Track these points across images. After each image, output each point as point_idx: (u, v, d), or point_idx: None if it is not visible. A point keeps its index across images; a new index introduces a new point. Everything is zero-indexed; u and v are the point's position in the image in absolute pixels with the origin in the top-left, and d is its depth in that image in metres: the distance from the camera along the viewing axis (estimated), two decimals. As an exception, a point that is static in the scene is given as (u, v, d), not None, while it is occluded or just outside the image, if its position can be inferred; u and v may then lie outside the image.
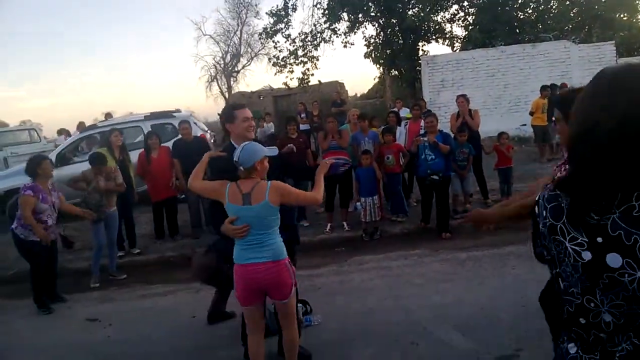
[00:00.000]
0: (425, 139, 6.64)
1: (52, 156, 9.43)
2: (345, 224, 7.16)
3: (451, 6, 18.70)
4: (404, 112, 10.16)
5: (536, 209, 1.43)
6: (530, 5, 17.59)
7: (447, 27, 19.51)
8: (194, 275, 4.58)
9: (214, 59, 27.76)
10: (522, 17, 17.63)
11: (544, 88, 11.14)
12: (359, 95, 29.04)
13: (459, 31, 19.44)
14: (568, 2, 17.29)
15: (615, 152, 1.19)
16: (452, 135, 7.13)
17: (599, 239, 1.23)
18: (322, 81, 20.89)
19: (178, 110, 11.91)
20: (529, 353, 3.22)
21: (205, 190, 3.34)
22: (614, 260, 1.22)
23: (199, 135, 8.92)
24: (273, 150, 3.28)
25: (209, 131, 11.59)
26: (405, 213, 7.34)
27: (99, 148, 7.28)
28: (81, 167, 8.65)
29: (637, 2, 17.44)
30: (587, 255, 1.26)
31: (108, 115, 12.87)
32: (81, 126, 12.05)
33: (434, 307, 4.47)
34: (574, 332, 1.38)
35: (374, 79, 23.83)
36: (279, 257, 3.13)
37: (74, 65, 56.99)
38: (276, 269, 3.11)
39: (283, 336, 3.39)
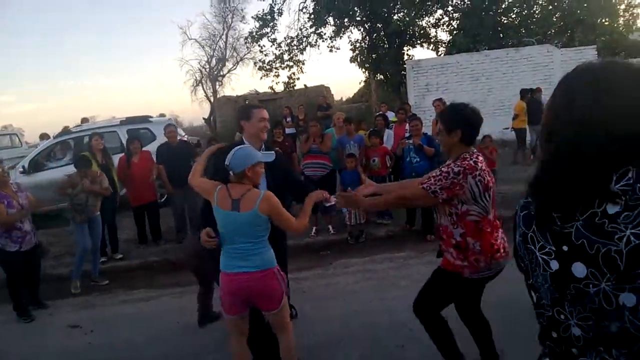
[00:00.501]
0: (410, 141, 6.67)
1: (25, 162, 9.41)
2: (330, 227, 7.15)
3: (436, 11, 18.82)
4: (390, 116, 10.20)
5: (516, 219, 1.38)
6: (514, 10, 17.78)
7: (432, 31, 19.66)
8: (185, 262, 4.62)
9: (199, 63, 27.61)
10: (505, 21, 17.80)
11: (525, 91, 11.39)
12: (344, 99, 29.11)
13: (444, 36, 19.60)
14: (551, 7, 17.49)
15: (575, 153, 1.15)
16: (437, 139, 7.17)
17: (565, 248, 1.18)
18: (308, 85, 20.96)
19: (162, 115, 11.90)
20: (513, 354, 3.22)
21: (200, 189, 3.23)
22: (579, 270, 1.17)
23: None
24: (269, 156, 3.17)
25: (186, 136, 11.59)
26: (390, 216, 7.35)
27: (82, 152, 7.20)
28: (55, 173, 8.64)
29: (618, 7, 17.73)
30: (554, 265, 1.22)
31: (84, 120, 12.76)
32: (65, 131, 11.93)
33: (419, 310, 4.46)
34: (547, 347, 1.33)
35: (360, 83, 23.94)
36: (267, 266, 3.01)
37: (59, 70, 56.23)
38: (264, 278, 3.00)
39: (280, 346, 3.27)
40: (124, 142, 8.91)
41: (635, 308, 1.12)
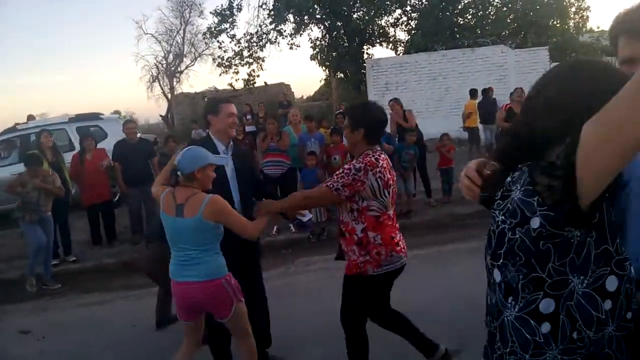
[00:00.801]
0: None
1: None
2: (291, 225, 7.12)
3: (394, 10, 19.06)
4: (350, 114, 10.26)
5: None
6: (470, 11, 18.22)
7: (391, 31, 19.91)
8: (141, 268, 4.55)
9: (155, 58, 26.86)
10: (461, 22, 18.23)
11: (474, 91, 11.73)
12: (305, 97, 29.09)
13: (402, 35, 19.88)
14: (505, 9, 18.02)
15: (501, 146, 1.45)
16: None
17: (492, 221, 1.39)
18: (268, 83, 20.76)
19: (117, 112, 11.63)
20: (473, 347, 3.29)
21: (156, 198, 3.04)
22: (488, 243, 1.39)
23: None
24: (222, 159, 3.02)
25: (139, 133, 11.32)
26: (351, 213, 7.38)
27: (29, 151, 6.90)
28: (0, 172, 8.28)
29: (568, 10, 18.46)
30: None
31: (30, 117, 12.26)
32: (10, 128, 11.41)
33: (380, 306, 4.49)
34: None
35: (320, 81, 23.96)
36: (214, 276, 2.82)
37: (8, 67, 53.67)
38: (211, 289, 2.81)
39: (240, 350, 3.14)
40: (74, 140, 8.62)
41: (500, 284, 1.33)
